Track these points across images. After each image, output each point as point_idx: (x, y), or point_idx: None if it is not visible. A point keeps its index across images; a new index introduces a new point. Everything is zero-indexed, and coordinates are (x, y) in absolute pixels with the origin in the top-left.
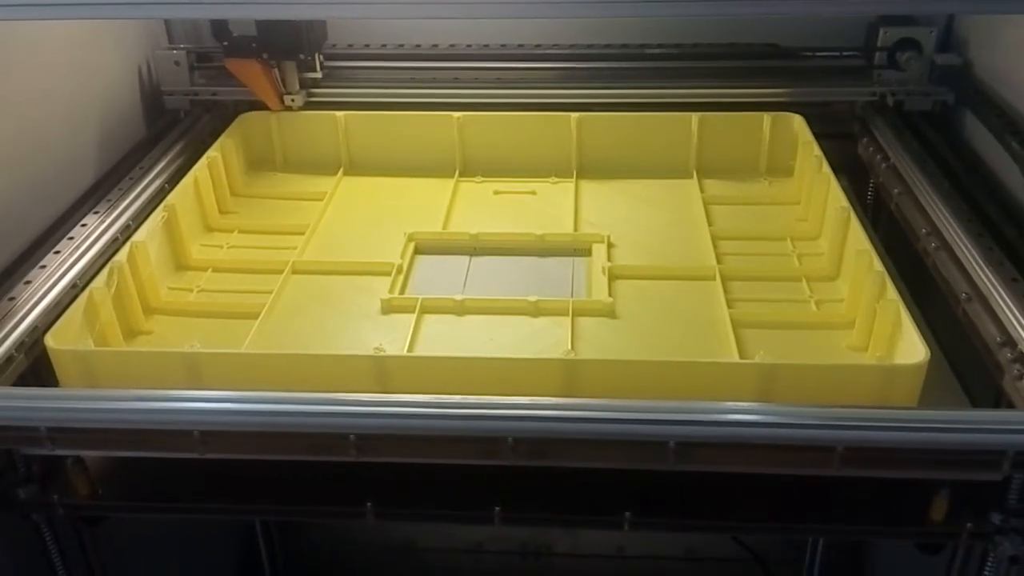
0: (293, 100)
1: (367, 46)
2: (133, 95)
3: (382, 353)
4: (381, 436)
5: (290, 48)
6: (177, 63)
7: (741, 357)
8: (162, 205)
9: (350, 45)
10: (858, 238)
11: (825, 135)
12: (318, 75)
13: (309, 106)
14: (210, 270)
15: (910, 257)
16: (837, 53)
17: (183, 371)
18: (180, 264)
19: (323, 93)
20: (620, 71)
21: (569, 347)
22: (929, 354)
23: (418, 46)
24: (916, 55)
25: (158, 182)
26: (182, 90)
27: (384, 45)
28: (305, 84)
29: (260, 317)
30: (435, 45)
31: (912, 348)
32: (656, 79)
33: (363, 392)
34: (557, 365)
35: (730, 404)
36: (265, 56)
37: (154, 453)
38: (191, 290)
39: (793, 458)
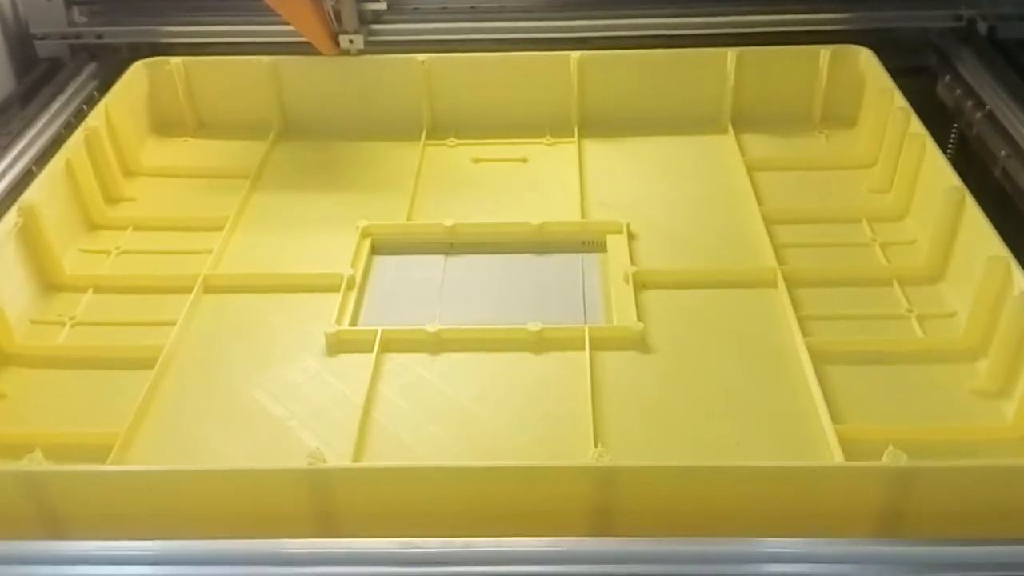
0: (351, 41)
1: None
2: None
3: (320, 465)
4: None
5: None
6: None
7: (833, 417)
8: (15, 207)
9: None
10: (983, 234)
11: (888, 70)
12: (382, 5)
13: (372, 48)
14: (90, 291)
15: (1019, 232)
16: None
17: (24, 499)
18: (48, 284)
19: (388, 30)
20: None
21: (592, 438)
22: None
23: None
24: None
25: (23, 162)
26: (58, 31)
27: None
28: (366, 19)
29: (156, 366)
30: None
31: None
32: (680, 4)
33: (291, 534)
34: (582, 476)
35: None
36: None
37: None
38: (62, 323)
39: None
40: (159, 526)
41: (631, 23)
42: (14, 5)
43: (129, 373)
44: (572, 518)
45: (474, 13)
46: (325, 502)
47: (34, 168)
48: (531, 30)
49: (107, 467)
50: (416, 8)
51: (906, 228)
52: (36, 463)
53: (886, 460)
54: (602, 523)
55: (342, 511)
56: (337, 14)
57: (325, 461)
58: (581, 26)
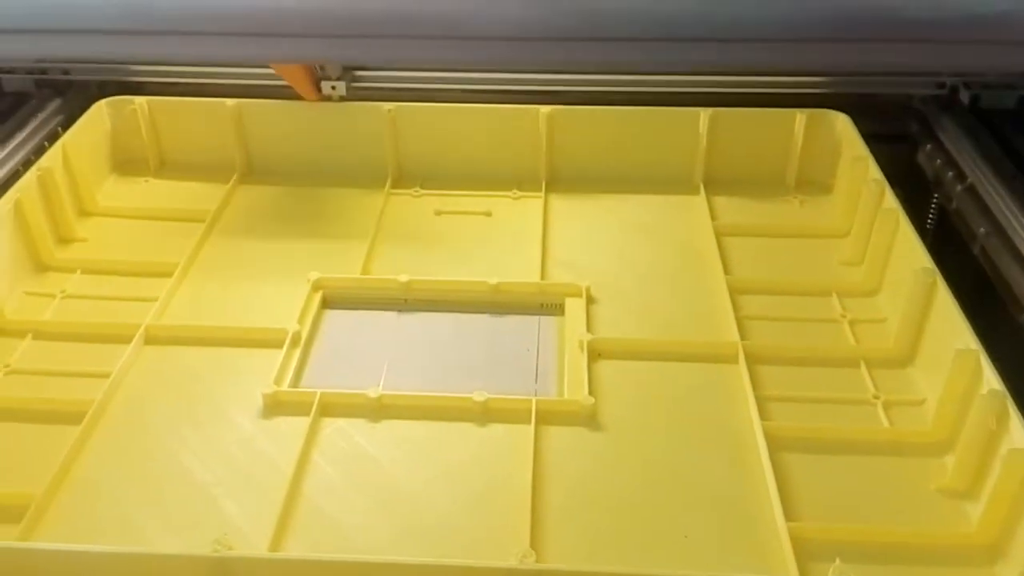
0: (334, 88)
1: None
2: None
3: (225, 553)
4: None
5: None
6: None
7: (787, 513)
8: None
9: None
10: (953, 323)
11: (868, 135)
12: None
13: (354, 95)
14: (29, 336)
15: (997, 315)
16: None
17: None
18: None
19: (372, 77)
20: None
21: (529, 523)
22: None
23: None
24: None
25: None
26: (24, 66)
27: None
28: (350, 65)
29: (84, 422)
30: None
31: None
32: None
33: None
34: None
35: None
36: None
37: None
38: None
39: None
40: None
41: (605, 79)
42: None
43: (56, 428)
44: None
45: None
46: None
47: None
48: (509, 82)
49: None
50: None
51: (877, 305)
52: None
53: None
54: None
55: None
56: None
57: (231, 548)
58: (557, 79)
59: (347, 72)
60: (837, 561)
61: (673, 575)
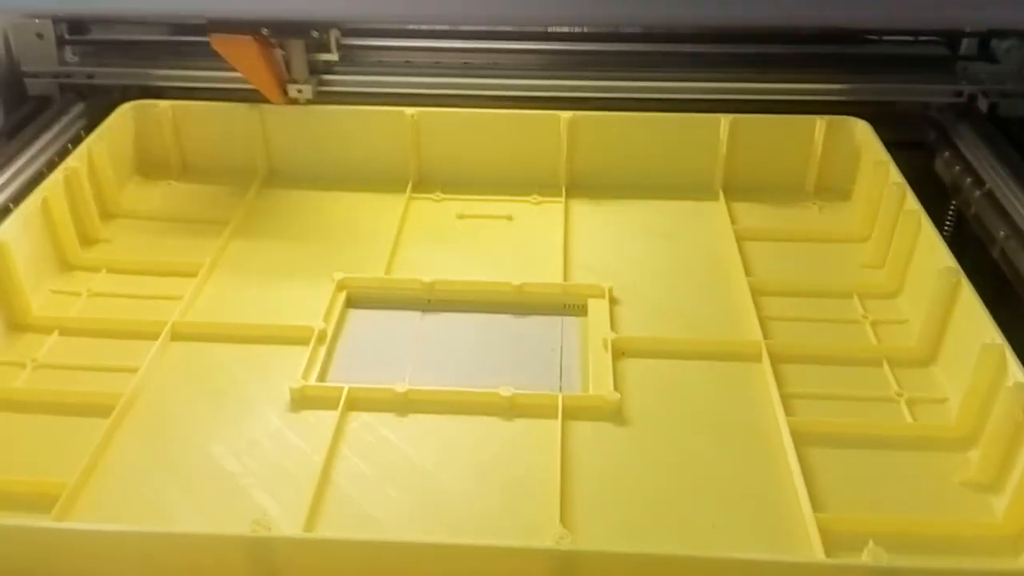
0: (300, 91)
1: None
2: None
3: (263, 533)
4: None
5: (298, 22)
6: (41, 35)
7: (814, 504)
8: None
9: None
10: (977, 319)
11: (885, 143)
12: (334, 57)
13: (321, 98)
14: (56, 333)
15: (1017, 317)
16: (911, 38)
17: None
18: (14, 324)
19: (339, 81)
20: (626, 56)
21: (558, 513)
22: None
23: None
24: (1019, 43)
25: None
26: (49, 71)
27: None
28: (317, 69)
29: (113, 415)
30: None
31: None
32: (674, 67)
33: None
34: (541, 560)
35: None
36: (265, 32)
37: None
38: (24, 365)
39: None
40: None
41: (625, 85)
42: (6, 42)
43: (86, 420)
44: None
45: (427, 68)
46: (266, 571)
47: (11, 206)
48: (505, 88)
49: (28, 523)
50: (370, 61)
51: (899, 307)
52: None
53: (866, 558)
54: None
55: None
56: (287, 63)
57: (269, 528)
58: (573, 86)
59: (314, 76)
60: (871, 544)
61: (707, 557)
